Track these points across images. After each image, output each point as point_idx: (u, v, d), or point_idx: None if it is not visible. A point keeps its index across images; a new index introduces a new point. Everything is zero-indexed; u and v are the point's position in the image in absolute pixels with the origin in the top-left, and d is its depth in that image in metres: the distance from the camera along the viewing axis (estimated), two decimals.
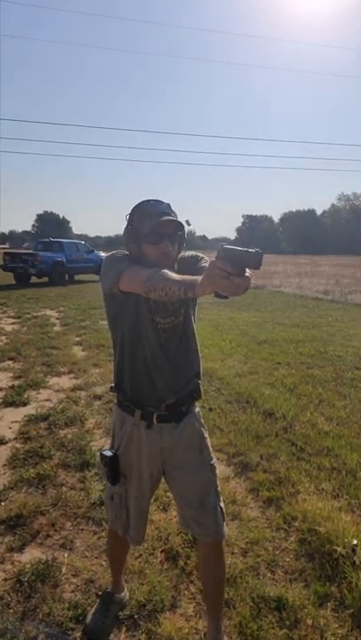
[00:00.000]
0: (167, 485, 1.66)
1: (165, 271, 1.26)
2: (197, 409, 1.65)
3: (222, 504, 1.60)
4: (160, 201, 1.46)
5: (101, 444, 3.25)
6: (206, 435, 1.63)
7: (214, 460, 1.62)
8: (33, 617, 1.78)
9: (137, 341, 1.49)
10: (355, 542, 2.14)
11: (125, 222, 1.48)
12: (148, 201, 1.45)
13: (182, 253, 1.57)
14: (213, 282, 1.06)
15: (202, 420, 1.64)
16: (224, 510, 1.60)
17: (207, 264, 1.40)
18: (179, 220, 1.45)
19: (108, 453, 1.56)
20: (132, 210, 1.46)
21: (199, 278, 1.15)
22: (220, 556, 1.61)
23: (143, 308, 1.46)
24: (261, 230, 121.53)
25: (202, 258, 1.54)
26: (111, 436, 1.64)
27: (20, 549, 2.18)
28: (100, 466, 1.76)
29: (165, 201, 1.48)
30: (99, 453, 1.66)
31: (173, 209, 1.48)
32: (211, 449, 1.63)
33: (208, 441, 1.63)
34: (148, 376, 1.50)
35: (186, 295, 1.19)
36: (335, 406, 4.12)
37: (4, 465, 2.99)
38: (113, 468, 1.55)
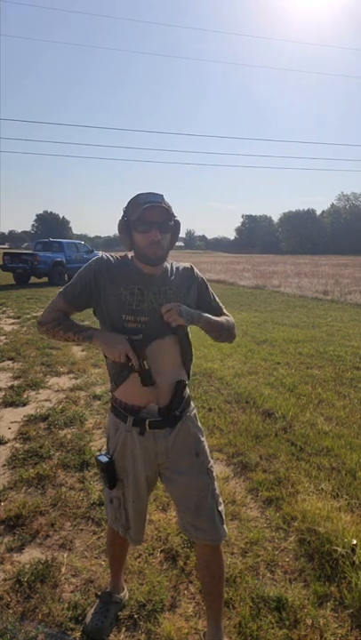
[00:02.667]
0: (165, 488, 1.65)
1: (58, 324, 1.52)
2: (194, 411, 1.63)
3: (221, 507, 1.59)
4: (154, 193, 1.47)
5: (101, 444, 3.25)
6: (203, 438, 1.61)
7: (211, 464, 1.60)
8: (32, 617, 1.78)
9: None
10: (354, 542, 2.14)
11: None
12: (142, 193, 1.46)
13: (198, 274, 1.63)
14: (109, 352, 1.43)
15: (198, 423, 1.63)
16: (223, 513, 1.59)
17: (217, 304, 1.67)
18: (165, 206, 1.43)
19: (104, 459, 1.55)
20: (128, 202, 1.48)
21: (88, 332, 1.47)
22: (218, 558, 1.61)
23: (114, 315, 1.47)
24: (261, 230, 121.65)
25: (213, 299, 1.67)
26: (106, 440, 1.63)
27: (20, 549, 2.18)
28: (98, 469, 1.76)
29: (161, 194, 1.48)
30: (95, 458, 1.65)
31: (174, 209, 1.49)
32: (208, 452, 1.61)
33: (205, 444, 1.61)
34: (134, 382, 1.49)
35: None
36: (335, 406, 4.12)
37: (4, 465, 2.99)
38: (109, 473, 1.55)
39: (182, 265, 1.63)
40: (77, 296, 1.51)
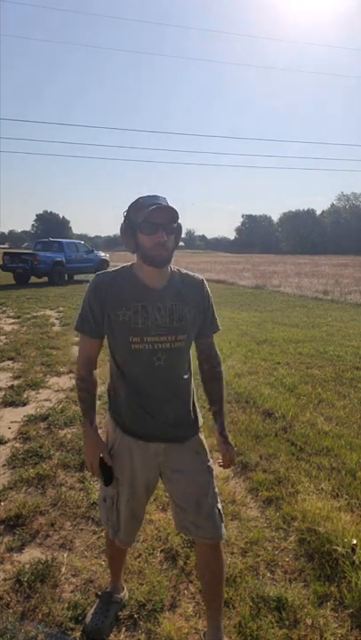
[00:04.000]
0: (164, 487, 1.65)
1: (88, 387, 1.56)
2: None
3: (220, 505, 1.59)
4: (156, 195, 1.46)
5: None
6: (202, 436, 1.62)
7: (211, 462, 1.61)
8: (32, 617, 1.78)
9: (124, 366, 1.51)
10: (354, 542, 2.14)
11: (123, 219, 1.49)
12: (144, 196, 1.45)
13: (207, 293, 1.59)
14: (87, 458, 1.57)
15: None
16: (222, 511, 1.60)
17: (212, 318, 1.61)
18: (171, 208, 1.42)
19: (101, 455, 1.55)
20: (129, 206, 1.47)
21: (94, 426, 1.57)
22: (218, 557, 1.61)
23: (121, 338, 1.46)
24: (261, 230, 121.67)
25: (213, 317, 1.61)
26: (106, 437, 1.63)
27: (20, 549, 2.18)
28: None
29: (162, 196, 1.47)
30: None
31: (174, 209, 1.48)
32: (208, 450, 1.62)
33: (205, 442, 1.62)
34: (141, 404, 1.51)
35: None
36: (335, 406, 4.12)
37: (4, 465, 2.99)
38: (105, 469, 1.55)
39: (193, 276, 1.57)
40: (98, 326, 1.51)
